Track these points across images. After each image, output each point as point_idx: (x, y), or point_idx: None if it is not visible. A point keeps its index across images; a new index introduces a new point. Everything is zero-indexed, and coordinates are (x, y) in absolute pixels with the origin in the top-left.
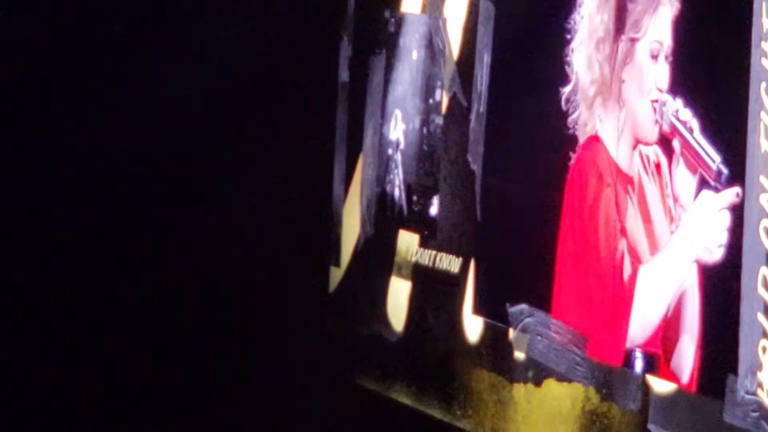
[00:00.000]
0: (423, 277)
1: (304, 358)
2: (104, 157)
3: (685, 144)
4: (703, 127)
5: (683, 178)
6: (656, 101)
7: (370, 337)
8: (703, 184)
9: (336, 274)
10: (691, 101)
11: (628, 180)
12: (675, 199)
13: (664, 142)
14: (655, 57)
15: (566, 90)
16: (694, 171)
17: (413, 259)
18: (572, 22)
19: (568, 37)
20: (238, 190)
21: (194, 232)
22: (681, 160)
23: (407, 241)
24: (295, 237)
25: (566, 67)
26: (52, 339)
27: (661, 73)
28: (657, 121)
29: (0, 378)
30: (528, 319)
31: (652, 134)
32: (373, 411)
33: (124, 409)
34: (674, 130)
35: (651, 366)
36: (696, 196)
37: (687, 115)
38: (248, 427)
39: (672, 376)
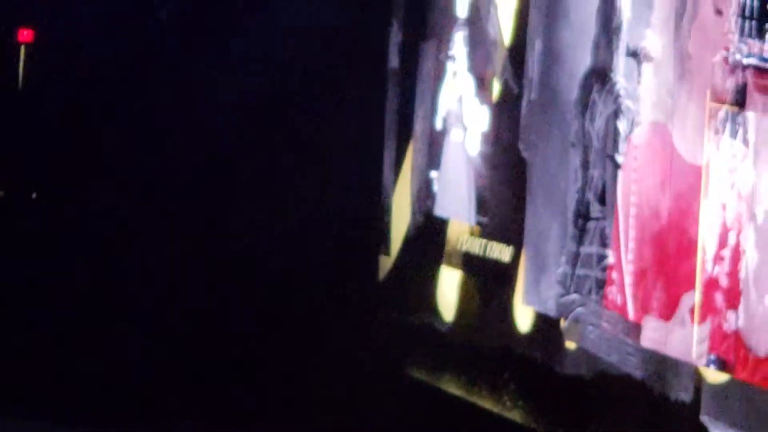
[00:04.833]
0: (473, 267)
1: (352, 347)
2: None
3: (756, 73)
4: None
5: (756, 110)
6: (727, 51)
7: (420, 327)
8: None
9: (385, 263)
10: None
11: (694, 169)
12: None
13: (738, 93)
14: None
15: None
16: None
17: (463, 248)
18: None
19: (623, 20)
20: (286, 179)
21: (245, 220)
22: (755, 94)
23: (457, 230)
24: (344, 225)
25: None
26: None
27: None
28: (726, 75)
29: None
30: (579, 309)
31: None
32: (423, 401)
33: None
34: (745, 69)
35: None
36: None
37: (755, 47)
38: (298, 415)
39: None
